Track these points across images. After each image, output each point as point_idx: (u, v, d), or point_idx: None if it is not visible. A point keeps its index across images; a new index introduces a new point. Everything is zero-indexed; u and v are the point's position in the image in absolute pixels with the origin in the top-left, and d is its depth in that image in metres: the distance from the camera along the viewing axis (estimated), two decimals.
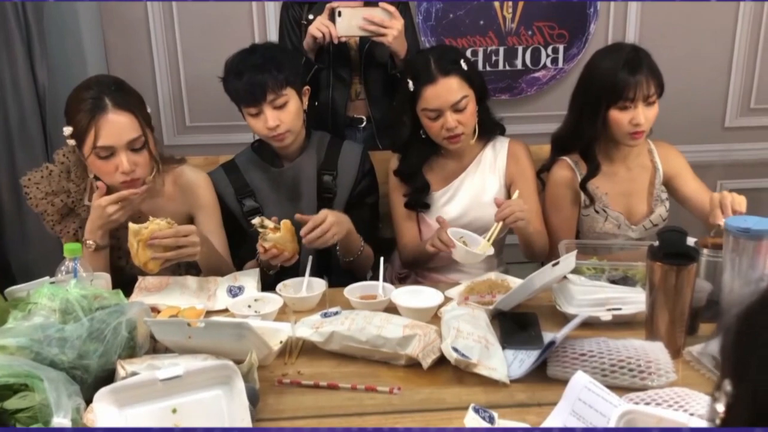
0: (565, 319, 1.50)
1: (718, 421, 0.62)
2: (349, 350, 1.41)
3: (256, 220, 1.72)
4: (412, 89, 1.87)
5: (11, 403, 1.10)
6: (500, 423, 1.17)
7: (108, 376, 1.25)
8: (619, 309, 1.51)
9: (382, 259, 1.76)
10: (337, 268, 1.92)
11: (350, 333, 1.40)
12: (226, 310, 1.62)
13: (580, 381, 1.18)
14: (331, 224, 1.73)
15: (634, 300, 1.52)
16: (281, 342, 1.42)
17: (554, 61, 2.84)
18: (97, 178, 1.71)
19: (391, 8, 2.07)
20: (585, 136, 1.90)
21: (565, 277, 1.60)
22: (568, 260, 1.53)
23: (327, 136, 2.04)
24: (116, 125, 1.64)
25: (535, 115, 2.86)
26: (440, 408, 1.25)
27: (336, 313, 1.48)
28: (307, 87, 1.97)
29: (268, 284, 1.75)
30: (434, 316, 1.55)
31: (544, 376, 1.32)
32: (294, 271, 1.80)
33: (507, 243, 2.07)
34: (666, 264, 1.35)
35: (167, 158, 1.85)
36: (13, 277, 2.45)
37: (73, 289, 1.32)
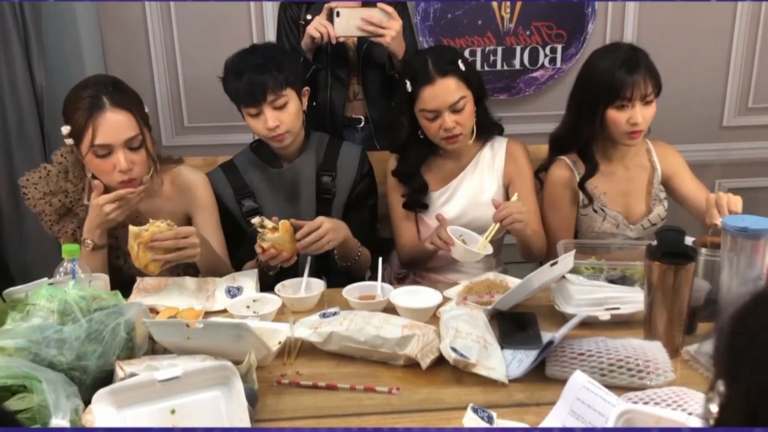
0: (564, 318, 1.50)
1: (711, 422, 0.62)
2: (348, 350, 1.41)
3: (255, 220, 1.72)
4: (409, 90, 1.87)
5: (10, 405, 1.10)
6: (499, 423, 1.18)
7: (107, 377, 1.25)
8: (618, 308, 1.51)
9: (380, 259, 1.76)
10: (335, 269, 1.92)
11: (349, 333, 1.40)
12: (224, 311, 1.62)
13: (579, 380, 1.18)
14: (326, 231, 1.73)
15: (632, 299, 1.52)
16: (280, 342, 1.42)
17: (552, 60, 2.84)
18: (95, 178, 1.71)
19: (390, 9, 2.07)
20: (583, 135, 1.90)
21: (563, 277, 1.60)
22: (566, 260, 1.53)
23: (326, 137, 2.04)
24: (114, 123, 1.64)
25: (533, 115, 2.86)
26: (439, 408, 1.26)
27: (335, 314, 1.48)
28: (306, 88, 1.96)
29: (268, 285, 1.75)
30: (433, 316, 1.55)
31: (543, 376, 1.32)
32: (293, 271, 1.80)
33: (505, 243, 2.07)
34: (664, 263, 1.35)
35: (165, 158, 1.85)
36: (12, 278, 2.44)
37: (71, 291, 1.32)
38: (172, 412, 1.15)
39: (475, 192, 1.98)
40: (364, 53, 2.20)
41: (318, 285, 1.70)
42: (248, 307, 1.62)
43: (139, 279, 1.70)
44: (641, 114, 1.82)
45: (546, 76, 2.86)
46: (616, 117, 1.84)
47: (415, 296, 1.62)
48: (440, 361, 1.36)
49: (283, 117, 1.84)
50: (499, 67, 2.84)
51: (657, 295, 1.37)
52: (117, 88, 1.70)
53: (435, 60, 1.86)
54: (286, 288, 1.70)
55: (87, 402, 1.15)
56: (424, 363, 1.35)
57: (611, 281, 1.64)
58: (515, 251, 1.98)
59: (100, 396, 1.12)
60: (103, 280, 1.61)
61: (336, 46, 2.13)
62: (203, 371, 1.18)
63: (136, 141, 1.68)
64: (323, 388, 1.32)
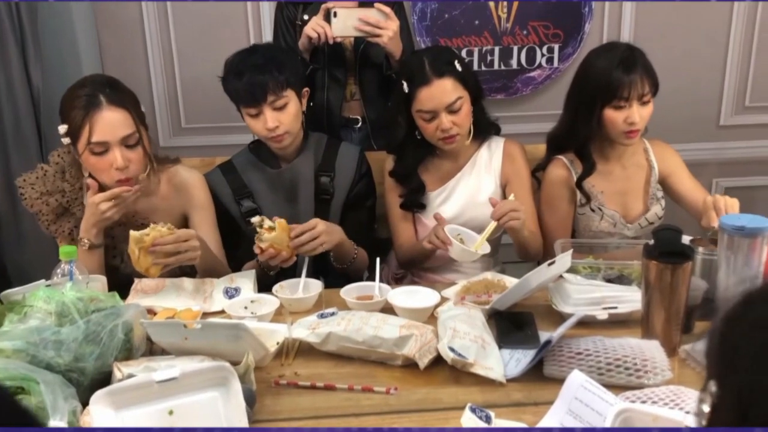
0: (561, 318, 1.50)
1: (704, 422, 0.62)
2: (346, 351, 1.41)
3: (255, 219, 1.72)
4: (406, 91, 1.87)
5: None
6: (497, 422, 1.18)
7: (104, 379, 1.25)
8: (615, 308, 1.52)
9: (378, 259, 1.76)
10: (333, 270, 1.92)
11: (347, 334, 1.40)
12: (222, 312, 1.62)
13: (577, 380, 1.19)
14: (320, 232, 1.73)
15: (629, 299, 1.52)
16: (278, 343, 1.42)
17: (549, 60, 2.84)
18: (92, 177, 1.71)
19: (387, 9, 2.07)
20: (580, 135, 1.90)
21: (561, 276, 1.60)
22: (563, 259, 1.53)
23: (324, 138, 2.04)
24: (110, 121, 1.65)
25: (530, 115, 2.86)
26: (437, 408, 1.26)
27: (332, 314, 1.48)
28: (306, 89, 1.96)
29: (268, 285, 1.75)
30: (431, 316, 1.54)
31: (541, 376, 1.32)
32: (292, 272, 1.80)
33: (503, 243, 2.08)
34: (661, 262, 1.35)
35: (162, 158, 1.85)
36: (9, 279, 2.44)
37: (69, 292, 1.32)
38: (170, 413, 1.15)
39: (472, 192, 1.98)
40: (361, 53, 2.20)
41: (316, 285, 1.70)
42: (246, 307, 1.62)
43: (136, 280, 1.69)
44: (638, 113, 1.82)
45: (543, 76, 2.86)
46: (613, 116, 1.84)
47: (412, 296, 1.62)
48: (438, 361, 1.36)
49: (282, 118, 1.83)
50: (496, 66, 2.84)
51: (654, 294, 1.37)
52: (114, 86, 1.71)
53: (432, 61, 1.86)
54: (284, 289, 1.70)
55: (85, 403, 1.15)
56: (422, 363, 1.35)
57: (609, 280, 1.64)
58: (513, 251, 1.98)
59: (98, 397, 1.12)
60: (101, 281, 1.61)
61: (333, 46, 2.13)
62: (201, 372, 1.18)
63: (132, 139, 1.68)
64: (321, 389, 1.33)
